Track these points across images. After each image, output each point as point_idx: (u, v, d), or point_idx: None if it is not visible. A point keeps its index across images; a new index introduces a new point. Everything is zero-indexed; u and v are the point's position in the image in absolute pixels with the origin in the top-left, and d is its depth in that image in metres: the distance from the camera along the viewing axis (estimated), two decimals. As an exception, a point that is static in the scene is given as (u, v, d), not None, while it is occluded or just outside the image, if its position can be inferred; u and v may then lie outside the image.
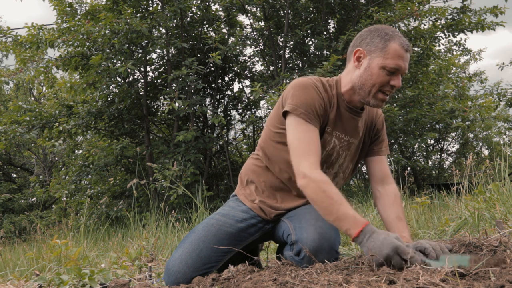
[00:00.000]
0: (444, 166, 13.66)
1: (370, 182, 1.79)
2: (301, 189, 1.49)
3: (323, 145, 1.65)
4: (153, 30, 7.73)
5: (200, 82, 7.35)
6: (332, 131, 1.67)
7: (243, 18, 13.87)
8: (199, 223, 1.79)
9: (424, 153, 12.99)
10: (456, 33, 8.46)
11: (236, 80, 9.72)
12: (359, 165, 1.91)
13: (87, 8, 8.15)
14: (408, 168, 11.44)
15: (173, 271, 1.62)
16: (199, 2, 8.16)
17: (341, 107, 1.68)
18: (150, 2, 8.08)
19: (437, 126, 10.82)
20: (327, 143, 1.67)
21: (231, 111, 9.90)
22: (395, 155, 8.93)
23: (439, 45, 9.40)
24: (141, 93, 8.23)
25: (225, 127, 9.65)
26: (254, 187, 1.78)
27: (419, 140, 9.07)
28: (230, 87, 9.85)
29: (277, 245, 1.90)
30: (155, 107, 9.31)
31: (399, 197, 1.72)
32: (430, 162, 13.44)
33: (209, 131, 9.22)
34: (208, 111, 8.61)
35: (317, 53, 8.75)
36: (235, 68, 9.35)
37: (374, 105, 1.63)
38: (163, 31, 8.03)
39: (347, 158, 1.75)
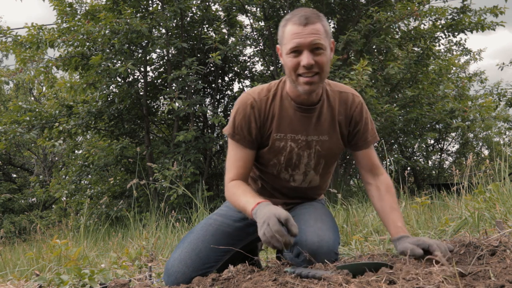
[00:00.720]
0: (444, 166, 13.66)
1: (361, 175, 1.75)
2: (225, 194, 1.65)
3: (279, 151, 1.67)
4: (153, 30, 7.73)
5: (200, 82, 7.35)
6: (285, 135, 1.65)
7: (243, 18, 13.85)
8: (197, 224, 1.80)
9: (424, 153, 13.00)
10: (456, 33, 8.46)
11: (236, 80, 9.73)
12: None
13: (87, 8, 8.15)
14: (408, 168, 11.45)
15: (173, 271, 1.62)
16: (199, 2, 8.16)
17: (288, 109, 1.64)
18: (150, 2, 8.08)
19: (437, 126, 10.82)
20: (282, 149, 1.66)
21: (231, 111, 9.89)
22: (395, 155, 8.93)
23: (439, 45, 9.41)
24: (141, 93, 8.23)
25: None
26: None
27: (419, 140, 9.08)
28: (230, 87, 9.85)
29: None
30: (155, 107, 9.31)
31: (391, 186, 1.69)
32: (430, 162, 13.45)
33: (209, 131, 9.22)
34: (208, 111, 8.61)
35: (317, 53, 8.74)
36: (235, 68, 9.35)
37: (302, 91, 1.56)
38: (163, 31, 8.03)
39: (313, 156, 1.69)
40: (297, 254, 1.55)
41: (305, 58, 1.50)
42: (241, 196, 1.55)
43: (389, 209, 1.61)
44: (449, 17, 8.33)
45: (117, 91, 8.11)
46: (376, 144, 10.80)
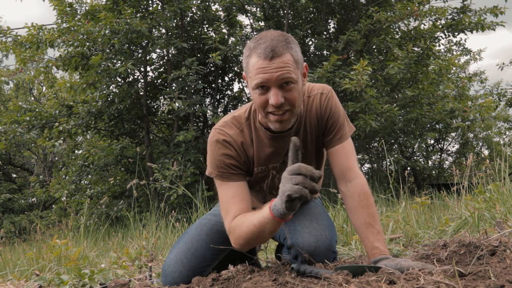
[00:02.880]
0: (444, 166, 13.66)
1: (336, 181, 1.56)
2: (233, 239, 1.47)
3: (261, 180, 1.62)
4: (153, 30, 7.73)
5: (200, 82, 7.35)
6: (266, 167, 1.59)
7: (243, 18, 13.87)
8: (192, 224, 1.80)
9: (424, 153, 12.99)
10: (456, 33, 8.47)
11: (236, 80, 9.73)
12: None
13: (87, 8, 8.16)
14: (408, 168, 11.44)
15: (170, 271, 1.62)
16: (199, 2, 8.16)
17: (264, 140, 1.55)
18: (150, 2, 8.08)
19: (437, 126, 10.82)
20: (265, 177, 1.62)
21: (231, 111, 9.90)
22: (395, 155, 8.93)
23: (439, 45, 9.42)
24: (141, 93, 8.23)
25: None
26: None
27: (419, 140, 9.08)
28: (230, 87, 9.85)
29: (277, 243, 1.90)
30: (155, 107, 9.31)
31: (365, 195, 1.46)
32: (430, 162, 13.45)
33: (209, 131, 9.21)
34: (208, 111, 8.61)
35: (317, 53, 8.75)
36: (235, 68, 9.35)
37: (274, 128, 1.46)
38: (163, 31, 8.03)
39: None
40: (295, 256, 1.55)
41: (273, 97, 1.36)
42: (249, 218, 1.40)
43: (364, 226, 1.42)
44: (449, 17, 8.34)
45: (117, 91, 8.11)
46: (376, 143, 10.78)
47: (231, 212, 1.47)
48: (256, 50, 1.38)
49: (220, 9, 8.74)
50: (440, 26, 8.43)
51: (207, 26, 8.69)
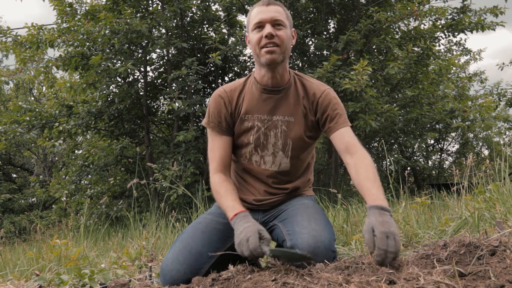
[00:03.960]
0: (444, 166, 13.67)
1: (342, 159, 1.74)
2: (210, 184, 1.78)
3: (248, 130, 1.80)
4: (153, 30, 7.73)
5: (200, 82, 7.35)
6: (252, 115, 1.78)
7: (243, 18, 13.86)
8: (189, 225, 1.84)
9: (424, 153, 13.00)
10: (456, 33, 8.46)
11: (236, 80, 9.72)
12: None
13: (87, 8, 8.15)
14: (408, 168, 11.45)
15: (167, 270, 1.63)
16: (199, 2, 8.16)
17: (255, 93, 1.79)
18: (150, 2, 8.08)
19: (437, 126, 10.83)
20: (250, 128, 1.79)
21: None
22: (395, 155, 8.93)
23: (439, 45, 9.41)
24: (141, 93, 8.23)
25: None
26: None
27: (419, 140, 9.08)
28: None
29: (275, 244, 1.91)
30: (155, 107, 9.31)
31: (367, 159, 1.64)
32: (430, 162, 13.46)
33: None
34: (208, 111, 8.60)
35: (317, 53, 8.75)
36: (235, 68, 9.35)
37: (265, 61, 1.69)
38: (163, 31, 8.03)
39: (279, 136, 1.78)
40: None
41: (267, 29, 1.67)
42: (223, 197, 1.69)
43: (364, 180, 1.56)
44: (449, 17, 8.34)
45: (117, 91, 8.11)
46: (376, 143, 10.74)
47: (213, 162, 1.79)
48: (257, 4, 1.74)
49: (220, 9, 8.74)
50: (440, 26, 8.43)
51: (207, 26, 8.69)
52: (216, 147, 1.80)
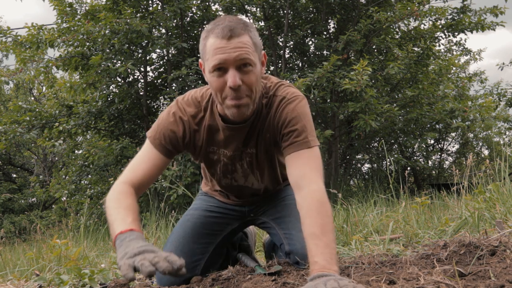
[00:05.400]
0: (444, 166, 13.67)
1: None
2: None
3: (214, 163, 1.60)
4: (153, 30, 7.73)
5: (200, 82, 7.35)
6: (217, 149, 1.56)
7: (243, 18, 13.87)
8: (176, 225, 1.81)
9: (424, 153, 13.00)
10: (456, 33, 8.47)
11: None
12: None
13: (87, 8, 8.16)
14: (408, 168, 11.44)
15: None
16: (199, 2, 8.17)
17: (218, 125, 1.50)
18: (150, 2, 8.09)
19: (437, 126, 10.83)
20: (217, 161, 1.59)
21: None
22: (395, 155, 8.93)
23: (439, 45, 9.42)
24: (141, 93, 8.23)
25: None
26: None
27: (419, 140, 9.08)
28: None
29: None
30: (155, 107, 9.31)
31: (317, 203, 1.28)
32: (430, 162, 13.46)
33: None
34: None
35: (317, 53, 8.75)
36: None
37: (231, 115, 1.40)
38: (163, 31, 8.03)
39: (246, 166, 1.59)
40: (295, 262, 1.57)
41: (231, 78, 1.30)
42: (121, 210, 1.40)
43: (309, 237, 1.22)
44: (449, 17, 8.34)
45: (117, 91, 8.11)
46: (376, 143, 10.72)
47: (130, 172, 1.51)
48: (214, 31, 1.32)
49: (220, 9, 8.74)
50: (440, 26, 8.43)
51: (207, 26, 8.69)
52: (146, 161, 1.50)
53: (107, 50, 7.28)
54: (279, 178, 1.70)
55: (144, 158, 1.51)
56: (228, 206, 1.78)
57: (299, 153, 1.39)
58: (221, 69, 1.32)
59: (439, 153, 13.66)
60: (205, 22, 8.48)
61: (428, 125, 10.06)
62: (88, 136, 9.55)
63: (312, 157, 1.39)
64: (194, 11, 8.43)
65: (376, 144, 10.61)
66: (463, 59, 12.44)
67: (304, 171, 1.36)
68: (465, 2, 8.17)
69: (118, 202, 1.41)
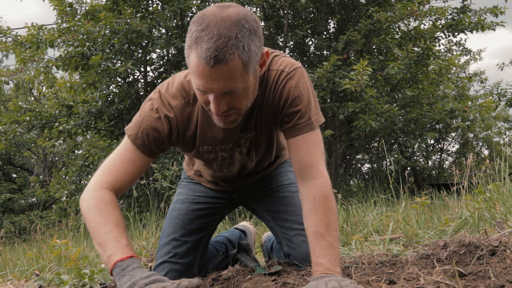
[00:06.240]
0: (444, 166, 13.67)
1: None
2: (80, 201, 1.34)
3: (211, 161, 1.49)
4: (153, 30, 7.73)
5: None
6: (213, 148, 1.44)
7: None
8: (164, 222, 1.73)
9: (424, 153, 13.00)
10: (456, 33, 8.47)
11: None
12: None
13: (87, 8, 8.16)
14: (408, 168, 11.45)
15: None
16: (199, 2, 8.16)
17: (210, 120, 1.32)
18: (150, 2, 8.08)
19: (437, 126, 10.83)
20: (214, 159, 1.48)
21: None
22: (395, 155, 8.93)
23: (439, 45, 9.42)
24: (141, 93, 8.23)
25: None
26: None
27: (419, 140, 9.08)
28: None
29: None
30: (155, 107, 9.30)
31: (323, 198, 1.23)
32: (430, 162, 13.46)
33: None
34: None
35: (317, 53, 8.75)
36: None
37: (223, 126, 1.27)
38: (163, 31, 8.03)
39: (244, 151, 1.48)
40: (287, 255, 1.58)
41: (213, 106, 1.16)
42: (103, 231, 1.20)
43: (313, 236, 1.19)
44: (449, 17, 8.34)
45: (117, 91, 8.11)
46: (376, 143, 10.73)
47: (107, 175, 1.33)
48: (198, 46, 1.08)
49: (220, 9, 8.73)
50: (440, 26, 8.43)
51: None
52: (127, 161, 1.33)
53: (107, 50, 7.28)
54: (273, 153, 1.58)
55: (125, 159, 1.33)
56: (216, 194, 1.71)
57: (303, 137, 1.29)
58: (205, 92, 1.16)
59: (439, 153, 13.66)
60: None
61: (428, 125, 10.06)
62: (88, 136, 9.55)
63: (316, 142, 1.30)
64: (194, 11, 8.42)
65: (376, 144, 10.61)
66: (463, 59, 12.45)
67: (309, 159, 1.27)
68: (465, 2, 8.17)
69: (105, 217, 1.24)
